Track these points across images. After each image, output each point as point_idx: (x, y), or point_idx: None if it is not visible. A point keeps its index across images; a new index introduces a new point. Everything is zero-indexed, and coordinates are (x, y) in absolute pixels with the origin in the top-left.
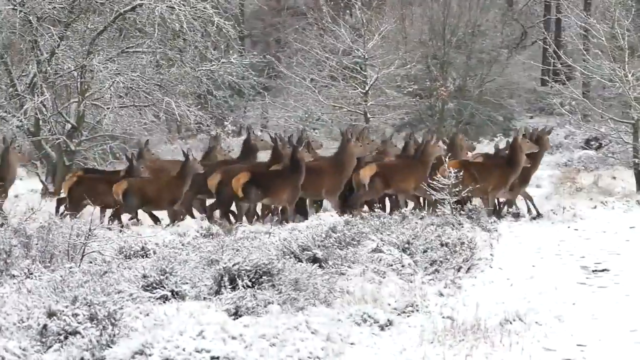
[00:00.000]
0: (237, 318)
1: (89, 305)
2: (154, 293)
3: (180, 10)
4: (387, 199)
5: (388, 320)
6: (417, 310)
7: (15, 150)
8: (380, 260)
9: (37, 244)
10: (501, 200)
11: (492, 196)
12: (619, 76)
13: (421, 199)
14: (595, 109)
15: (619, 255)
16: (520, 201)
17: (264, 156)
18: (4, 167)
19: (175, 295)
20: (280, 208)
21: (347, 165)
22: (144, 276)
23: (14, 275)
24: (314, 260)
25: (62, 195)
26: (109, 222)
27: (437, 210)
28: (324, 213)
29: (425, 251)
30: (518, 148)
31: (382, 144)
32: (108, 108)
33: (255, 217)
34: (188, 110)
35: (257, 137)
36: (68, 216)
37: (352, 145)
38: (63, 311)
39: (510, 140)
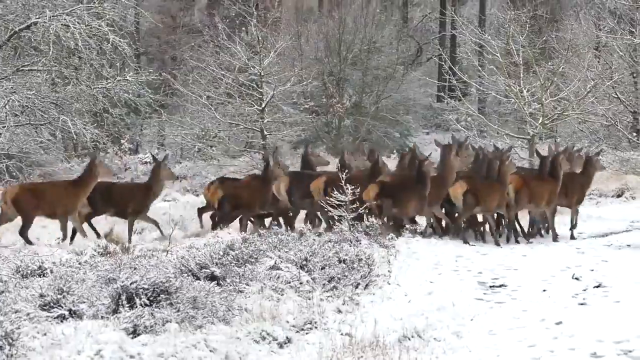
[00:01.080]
0: (135, 337)
1: None
2: (51, 312)
3: (75, 28)
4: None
5: (287, 337)
6: (316, 328)
7: None
8: (279, 277)
9: None
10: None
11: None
12: (514, 92)
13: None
14: (491, 124)
15: (516, 271)
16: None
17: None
18: None
19: (73, 315)
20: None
21: (449, 178)
22: (41, 295)
23: None
24: (212, 278)
25: None
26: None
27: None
28: (222, 231)
29: (323, 268)
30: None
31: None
32: (3, 127)
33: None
34: (84, 128)
35: (314, 152)
36: None
37: (452, 159)
38: None
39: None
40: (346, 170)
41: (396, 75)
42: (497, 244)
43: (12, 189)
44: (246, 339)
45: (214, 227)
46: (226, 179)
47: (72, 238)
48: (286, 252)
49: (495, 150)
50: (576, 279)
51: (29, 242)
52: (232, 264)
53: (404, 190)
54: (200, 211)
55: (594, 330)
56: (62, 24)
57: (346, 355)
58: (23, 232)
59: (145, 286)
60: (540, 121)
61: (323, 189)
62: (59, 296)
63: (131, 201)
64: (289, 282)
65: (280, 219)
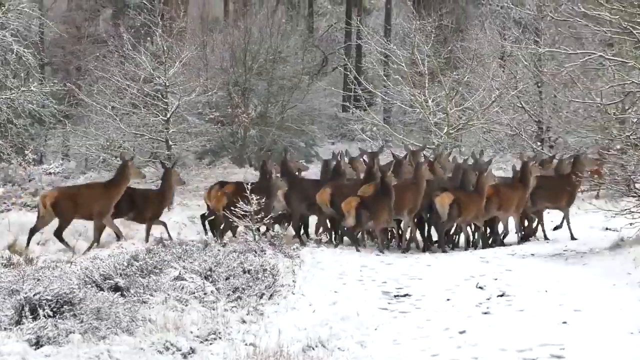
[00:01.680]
0: (38, 348)
1: None
2: None
3: None
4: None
5: (191, 348)
6: (220, 338)
7: None
8: (183, 288)
9: None
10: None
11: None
12: (419, 101)
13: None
14: (396, 134)
15: (420, 280)
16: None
17: None
18: None
19: None
20: None
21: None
22: None
23: None
24: (116, 288)
25: None
26: None
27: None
28: (126, 241)
29: (227, 278)
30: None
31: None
32: None
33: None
34: None
35: (292, 159)
36: None
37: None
38: None
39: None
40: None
41: (301, 85)
42: (444, 250)
43: (52, 193)
44: (150, 350)
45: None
46: (227, 184)
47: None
48: (190, 262)
49: (474, 162)
50: (480, 288)
51: (66, 244)
52: (136, 275)
53: (376, 202)
54: (204, 218)
55: (497, 339)
56: None
57: None
58: (59, 234)
59: (49, 297)
60: (445, 131)
61: (329, 200)
62: None
63: (150, 206)
64: (193, 293)
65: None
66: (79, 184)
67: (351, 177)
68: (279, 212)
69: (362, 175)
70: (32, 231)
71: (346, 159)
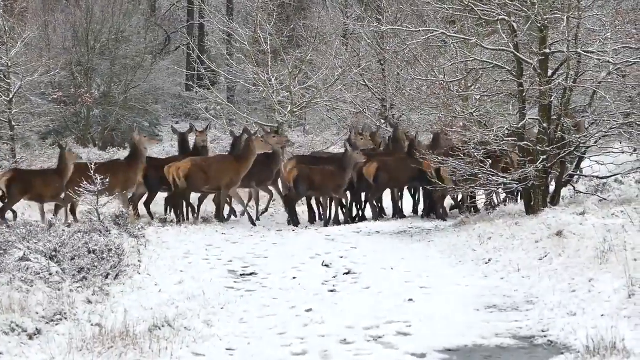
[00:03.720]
0: None
1: None
2: None
3: None
4: None
5: (36, 329)
6: (66, 319)
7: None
8: (28, 268)
9: None
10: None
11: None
12: (262, 80)
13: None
14: (240, 113)
15: (266, 259)
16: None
17: None
18: None
19: None
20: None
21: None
22: None
23: None
24: None
25: None
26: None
27: None
28: None
29: (73, 259)
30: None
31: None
32: None
33: None
34: None
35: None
36: None
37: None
38: None
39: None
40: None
41: (145, 65)
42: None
43: (185, 165)
44: None
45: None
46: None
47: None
48: (35, 243)
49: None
50: (326, 266)
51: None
52: None
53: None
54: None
55: (344, 317)
56: None
57: (96, 346)
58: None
59: None
60: (289, 109)
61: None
62: None
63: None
64: (39, 274)
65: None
66: (214, 156)
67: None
68: None
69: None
70: None
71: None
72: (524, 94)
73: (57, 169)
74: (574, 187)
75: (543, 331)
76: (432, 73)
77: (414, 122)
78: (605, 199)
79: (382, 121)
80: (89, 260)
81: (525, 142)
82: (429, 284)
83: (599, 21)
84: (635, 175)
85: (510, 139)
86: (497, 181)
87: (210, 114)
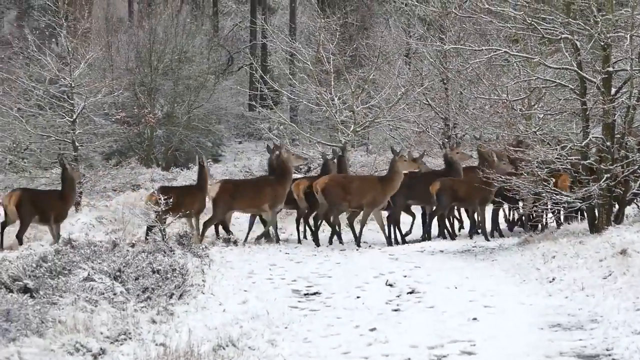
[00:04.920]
0: None
1: None
2: None
3: None
4: None
5: (101, 349)
6: (130, 338)
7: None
8: (92, 288)
9: None
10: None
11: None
12: (325, 100)
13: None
14: (303, 132)
15: (330, 278)
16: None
17: None
18: None
19: None
20: None
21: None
22: None
23: None
24: (25, 290)
25: None
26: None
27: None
28: (35, 243)
29: (137, 278)
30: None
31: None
32: None
33: None
34: None
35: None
36: None
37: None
38: None
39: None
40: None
41: (207, 85)
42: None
43: (323, 180)
44: (60, 351)
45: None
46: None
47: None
48: (99, 263)
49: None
50: (390, 285)
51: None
52: (46, 276)
53: None
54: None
55: (408, 336)
56: None
57: None
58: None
59: None
60: (352, 129)
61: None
62: None
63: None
64: (103, 294)
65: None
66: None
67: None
68: None
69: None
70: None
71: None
72: (587, 113)
73: (198, 185)
74: (638, 206)
75: (607, 350)
76: (495, 92)
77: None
78: None
79: (446, 140)
80: (153, 280)
81: (589, 161)
82: (493, 303)
83: None
84: None
85: (573, 157)
86: (560, 200)
87: (273, 133)
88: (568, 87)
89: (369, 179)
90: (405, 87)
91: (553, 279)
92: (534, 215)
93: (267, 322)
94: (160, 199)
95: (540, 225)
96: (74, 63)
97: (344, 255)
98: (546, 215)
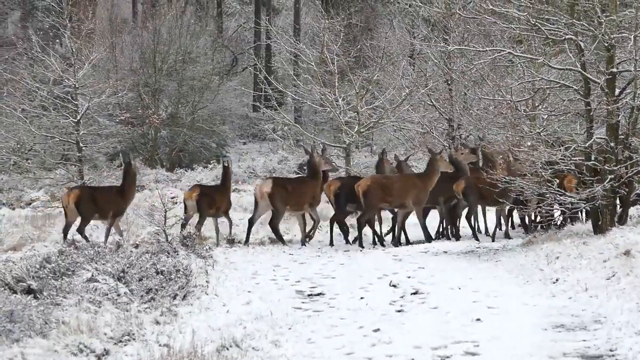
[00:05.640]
0: None
1: None
2: None
3: None
4: None
5: (105, 349)
6: (134, 339)
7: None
8: (96, 289)
9: None
10: None
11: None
12: (329, 101)
13: None
14: (307, 133)
15: (334, 279)
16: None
17: None
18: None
19: None
20: None
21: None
22: None
23: None
24: (29, 291)
25: None
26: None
27: None
28: (38, 244)
29: (140, 279)
30: None
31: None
32: None
33: None
34: None
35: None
36: None
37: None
38: None
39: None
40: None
41: (212, 86)
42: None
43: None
44: (64, 352)
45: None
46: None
47: None
48: (103, 264)
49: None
50: (394, 286)
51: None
52: (49, 277)
53: None
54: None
55: (411, 337)
56: None
57: None
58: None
59: None
60: (356, 129)
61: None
62: None
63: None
64: (107, 294)
65: None
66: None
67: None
68: None
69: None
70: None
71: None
72: (591, 113)
73: (222, 184)
74: None
75: (611, 350)
76: (499, 93)
77: (482, 142)
78: None
79: (450, 141)
80: (157, 281)
81: (593, 162)
82: (497, 304)
83: None
84: None
85: (577, 158)
86: (564, 201)
87: (277, 134)
88: (572, 87)
89: (409, 178)
90: (409, 87)
91: (557, 280)
92: (541, 216)
93: (271, 323)
94: (199, 194)
95: (553, 224)
96: (78, 64)
97: (348, 256)
98: (558, 215)
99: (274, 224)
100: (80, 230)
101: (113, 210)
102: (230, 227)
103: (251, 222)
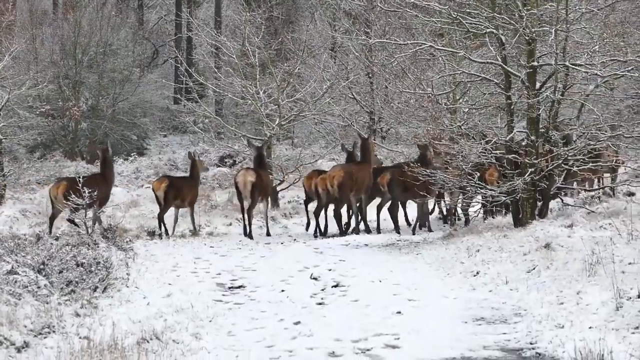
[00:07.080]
0: None
1: None
2: None
3: None
4: None
5: (24, 342)
6: (54, 332)
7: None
8: (16, 282)
9: None
10: None
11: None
12: (250, 93)
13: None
14: (228, 126)
15: (255, 272)
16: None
17: None
18: None
19: None
20: None
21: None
22: None
23: None
24: None
25: None
26: None
27: None
28: None
29: (61, 272)
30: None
31: None
32: None
33: None
34: None
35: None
36: None
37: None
38: None
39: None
40: None
41: (132, 78)
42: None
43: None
44: None
45: None
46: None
47: None
48: (23, 256)
49: None
50: (314, 279)
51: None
52: None
53: None
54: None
55: (332, 329)
56: None
57: (85, 359)
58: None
59: None
60: (277, 122)
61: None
62: None
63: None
64: (27, 287)
65: None
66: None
67: None
68: None
69: None
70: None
71: None
72: (512, 107)
73: (190, 176)
74: (562, 200)
75: (531, 343)
76: (420, 86)
77: (402, 135)
78: (593, 212)
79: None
80: (77, 274)
81: (514, 155)
82: (417, 297)
83: (586, 34)
84: (623, 187)
85: (498, 151)
86: (485, 194)
87: (198, 127)
88: (493, 81)
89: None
90: (331, 80)
91: (477, 273)
92: (460, 209)
93: (192, 316)
94: (168, 185)
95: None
96: None
97: (269, 249)
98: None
99: (250, 213)
100: (71, 219)
101: (99, 198)
102: (192, 218)
103: (250, 213)
